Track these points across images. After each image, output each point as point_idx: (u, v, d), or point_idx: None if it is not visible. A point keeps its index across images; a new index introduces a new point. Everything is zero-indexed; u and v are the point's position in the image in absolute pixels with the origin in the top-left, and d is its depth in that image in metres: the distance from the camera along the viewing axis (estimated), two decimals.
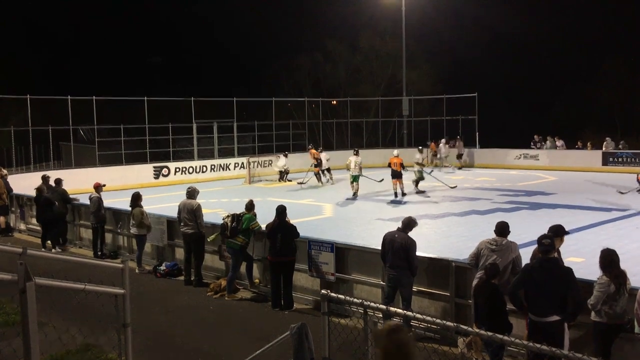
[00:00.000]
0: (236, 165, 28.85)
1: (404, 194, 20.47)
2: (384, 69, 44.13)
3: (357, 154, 21.59)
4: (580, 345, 6.51)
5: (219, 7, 52.01)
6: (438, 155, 31.81)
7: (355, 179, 20.72)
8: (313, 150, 25.65)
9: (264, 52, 49.39)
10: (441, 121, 35.47)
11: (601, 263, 6.21)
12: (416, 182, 21.56)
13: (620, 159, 28.84)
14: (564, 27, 44.92)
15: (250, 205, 10.46)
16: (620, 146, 30.01)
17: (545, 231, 6.99)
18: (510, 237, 7.48)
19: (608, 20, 44.33)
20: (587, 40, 44.90)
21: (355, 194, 20.65)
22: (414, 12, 37.80)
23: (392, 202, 19.38)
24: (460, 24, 45.38)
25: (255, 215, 10.41)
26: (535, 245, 7.21)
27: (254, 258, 10.52)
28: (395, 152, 21.61)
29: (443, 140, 31.70)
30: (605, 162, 29.15)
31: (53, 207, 14.16)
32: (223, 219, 10.57)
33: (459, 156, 31.70)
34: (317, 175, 24.65)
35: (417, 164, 21.69)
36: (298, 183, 24.53)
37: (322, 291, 4.86)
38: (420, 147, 23.57)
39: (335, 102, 40.30)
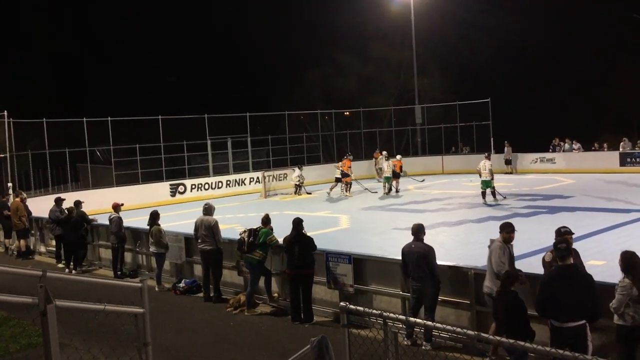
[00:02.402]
0: (251, 180, 28.96)
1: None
2: (396, 78, 44.14)
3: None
4: (604, 350, 6.43)
5: (226, 22, 52.33)
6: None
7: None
8: (348, 161, 25.37)
9: (274, 66, 49.55)
10: (455, 128, 35.38)
11: (622, 265, 6.14)
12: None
13: (638, 159, 28.51)
14: (576, 29, 44.61)
15: (266, 220, 10.48)
16: (637, 147, 29.68)
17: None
18: (529, 242, 7.43)
19: (621, 20, 43.94)
20: (600, 41, 44.54)
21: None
22: (423, 21, 37.82)
23: (408, 206, 19.34)
24: (470, 30, 45.10)
25: (272, 229, 10.43)
26: (543, 253, 7.18)
27: (272, 272, 10.53)
28: (398, 156, 26.41)
29: (385, 153, 30.52)
30: (622, 162, 28.82)
31: (81, 229, 14.35)
32: (240, 234, 10.60)
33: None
34: (347, 185, 24.74)
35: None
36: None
37: (341, 303, 4.86)
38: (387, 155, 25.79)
39: (347, 113, 40.35)
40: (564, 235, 7.02)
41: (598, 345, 6.42)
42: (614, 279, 6.27)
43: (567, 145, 31.84)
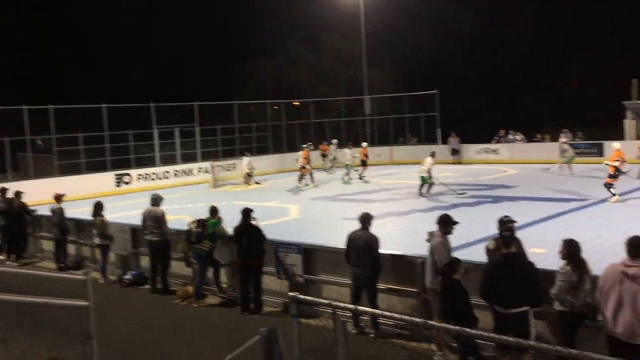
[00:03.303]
0: (200, 170, 28.60)
1: (361, 177, 25.21)
2: (347, 69, 44.33)
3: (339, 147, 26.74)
4: (546, 335, 6.65)
5: (176, 10, 51.25)
6: (328, 157, 30.34)
7: (347, 167, 25.22)
8: (306, 151, 25.04)
9: (224, 55, 48.94)
10: (403, 119, 35.83)
11: (563, 253, 6.35)
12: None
13: (578, 150, 29.51)
14: (523, 23, 45.76)
15: (213, 210, 10.41)
16: (577, 138, 30.75)
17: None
18: (474, 231, 7.59)
19: (566, 16, 45.34)
20: (545, 36, 45.85)
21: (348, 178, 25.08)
22: (374, 13, 38.04)
23: (358, 196, 19.50)
24: (420, 22, 45.77)
25: (220, 219, 10.34)
26: (487, 241, 7.36)
27: (221, 263, 10.45)
28: (364, 144, 27.62)
29: (335, 141, 30.41)
30: (563, 153, 29.76)
31: (23, 219, 13.92)
32: (188, 225, 10.48)
33: (455, 152, 31.72)
34: (305, 175, 24.32)
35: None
36: (360, 177, 25.19)
37: (290, 293, 4.86)
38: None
39: (298, 103, 40.29)
40: (506, 224, 7.17)
41: (541, 331, 6.64)
42: (555, 266, 6.48)
43: (510, 137, 32.72)
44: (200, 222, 10.27)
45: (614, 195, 16.52)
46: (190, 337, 8.59)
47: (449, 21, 45.48)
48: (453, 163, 30.70)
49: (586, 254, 6.43)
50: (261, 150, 33.13)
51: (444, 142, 32.67)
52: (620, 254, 5.68)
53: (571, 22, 45.18)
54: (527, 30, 45.75)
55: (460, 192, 19.58)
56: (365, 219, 8.45)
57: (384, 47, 44.49)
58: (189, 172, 28.43)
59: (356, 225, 8.54)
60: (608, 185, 16.69)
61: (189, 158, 30.05)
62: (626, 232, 6.19)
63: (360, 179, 25.21)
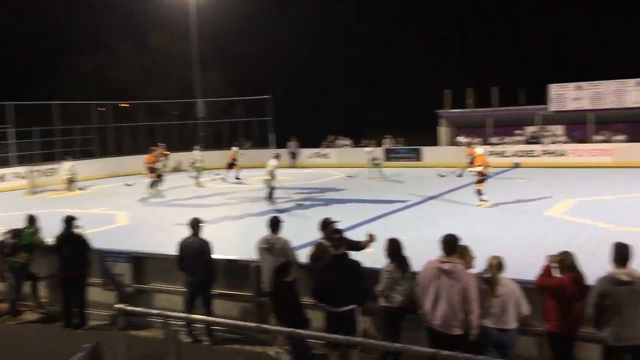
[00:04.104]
0: (15, 175, 26.19)
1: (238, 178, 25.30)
2: (177, 70, 43.26)
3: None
4: (372, 330, 7.00)
5: None
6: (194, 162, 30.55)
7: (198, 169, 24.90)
8: (161, 150, 23.58)
9: (43, 52, 45.18)
10: (237, 123, 35.87)
11: (387, 252, 6.74)
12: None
13: (399, 154, 31.68)
14: (350, 31, 48.01)
15: (31, 219, 9.60)
16: (399, 144, 33.00)
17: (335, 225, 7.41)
18: (305, 233, 7.78)
19: (386, 27, 48.40)
20: (370, 43, 48.51)
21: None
22: (205, 13, 37.58)
23: (191, 201, 19.12)
24: (254, 26, 46.12)
25: (38, 229, 9.56)
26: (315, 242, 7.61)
27: (39, 276, 9.63)
28: (234, 148, 26.95)
29: (197, 146, 30.58)
30: (387, 158, 31.77)
31: None
32: (1, 236, 9.54)
33: (294, 156, 32.11)
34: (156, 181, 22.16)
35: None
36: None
37: (117, 305, 4.62)
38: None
39: (127, 105, 38.54)
40: (329, 226, 7.48)
41: (367, 327, 6.97)
42: (381, 265, 6.85)
43: (338, 142, 34.23)
44: (15, 232, 9.40)
45: (484, 201, 16.59)
46: (7, 357, 7.80)
47: (281, 27, 46.39)
48: (291, 167, 31.37)
49: (408, 251, 6.87)
50: (86, 154, 31.18)
51: (279, 146, 33.24)
52: (437, 251, 6.15)
53: (392, 34, 48.41)
54: (353, 39, 48.13)
55: (300, 202, 18.45)
56: (195, 225, 8.30)
57: (217, 50, 44.21)
58: (2, 178, 25.92)
59: (188, 231, 8.36)
60: (477, 191, 16.74)
61: (1, 162, 27.42)
62: (443, 230, 6.73)
63: (238, 179, 25.28)
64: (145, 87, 41.21)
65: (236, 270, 8.37)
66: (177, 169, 26.95)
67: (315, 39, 48.30)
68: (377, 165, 25.22)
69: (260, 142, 34.77)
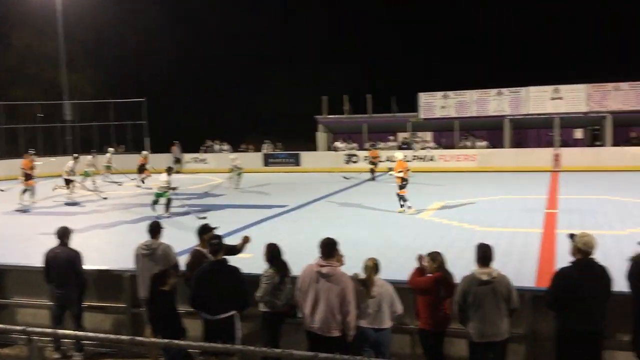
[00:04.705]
0: None
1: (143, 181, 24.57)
2: (42, 70, 40.64)
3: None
4: (251, 337, 6.96)
5: None
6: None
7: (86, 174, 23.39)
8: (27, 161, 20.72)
9: None
10: (109, 126, 34.34)
11: (266, 257, 6.73)
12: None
13: (278, 160, 31.90)
14: (231, 34, 47.60)
15: None
16: (277, 149, 33.23)
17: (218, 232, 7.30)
18: (183, 240, 7.59)
19: (270, 31, 48.56)
20: (249, 50, 48.44)
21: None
22: (74, 12, 35.66)
23: (58, 209, 18.02)
24: (126, 28, 44.29)
25: None
26: (192, 249, 7.47)
27: None
28: (145, 152, 26.56)
29: (111, 149, 29.22)
30: (266, 162, 31.90)
31: None
32: None
33: (178, 161, 30.94)
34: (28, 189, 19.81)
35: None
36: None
37: None
38: (75, 155, 23.60)
39: None
40: (206, 232, 7.34)
41: (246, 333, 6.92)
42: (260, 270, 6.83)
43: (216, 146, 33.83)
44: None
45: (409, 207, 16.34)
46: None
47: (155, 30, 45.07)
48: (177, 172, 30.18)
49: (287, 256, 6.91)
50: None
51: (154, 150, 32.21)
52: (316, 255, 6.24)
53: (271, 40, 48.70)
54: (228, 42, 47.82)
55: (202, 216, 15.66)
56: (63, 234, 7.80)
57: (86, 50, 42.09)
58: None
59: (55, 241, 7.86)
60: (400, 197, 16.44)
61: None
62: (321, 233, 6.83)
63: (143, 182, 24.66)
64: (5, 88, 38.29)
65: (108, 280, 7.99)
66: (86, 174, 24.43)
67: (192, 42, 47.47)
68: (237, 174, 23.88)
69: (135, 147, 33.52)
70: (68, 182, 20.91)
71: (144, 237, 7.56)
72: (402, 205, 16.52)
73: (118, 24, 43.67)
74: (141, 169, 25.31)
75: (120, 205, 19.58)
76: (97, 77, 42.43)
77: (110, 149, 28.72)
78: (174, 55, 47.92)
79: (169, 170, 17.79)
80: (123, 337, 3.97)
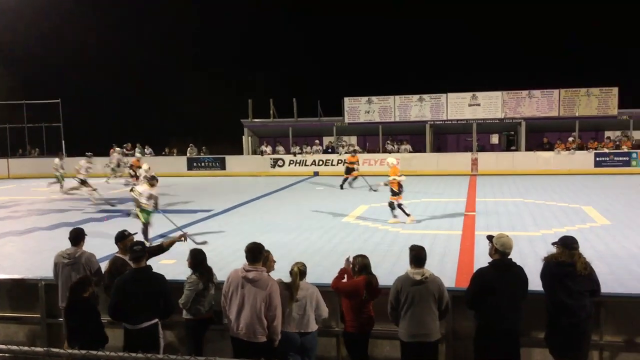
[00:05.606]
0: None
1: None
2: None
3: None
4: (175, 345, 6.82)
5: None
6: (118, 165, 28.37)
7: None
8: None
9: None
10: (22, 129, 32.79)
11: (190, 263, 6.60)
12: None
13: (202, 164, 31.44)
14: (152, 38, 46.50)
15: None
16: (202, 152, 32.76)
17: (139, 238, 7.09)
18: (103, 247, 7.33)
19: (194, 33, 47.82)
20: (171, 52, 47.53)
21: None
22: None
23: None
24: (41, 27, 42.45)
25: None
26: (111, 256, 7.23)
27: None
28: (138, 154, 26.61)
29: (118, 149, 28.82)
30: (190, 166, 31.38)
31: None
32: None
33: (118, 165, 29.51)
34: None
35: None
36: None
37: None
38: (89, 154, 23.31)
39: None
40: (125, 238, 7.04)
41: (170, 341, 6.77)
42: (183, 276, 6.70)
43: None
44: None
45: (408, 215, 15.23)
46: None
47: (71, 30, 43.46)
48: (110, 176, 28.69)
49: (212, 261, 6.82)
50: None
51: (70, 154, 30.90)
52: (241, 260, 6.19)
53: (196, 42, 48.00)
54: (151, 44, 46.75)
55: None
56: None
57: None
58: None
59: None
60: (396, 205, 15.32)
61: None
62: (246, 238, 6.78)
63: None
64: None
65: (22, 290, 7.62)
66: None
67: (107, 42, 46.08)
68: (59, 178, 22.65)
69: (51, 150, 32.14)
70: (83, 182, 20.86)
71: (61, 245, 7.25)
72: (395, 216, 15.36)
73: (33, 26, 41.80)
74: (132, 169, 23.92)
75: (34, 211, 18.72)
76: (9, 77, 40.42)
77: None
78: (94, 56, 46.38)
79: (153, 181, 13.81)
80: (37, 348, 3.77)
